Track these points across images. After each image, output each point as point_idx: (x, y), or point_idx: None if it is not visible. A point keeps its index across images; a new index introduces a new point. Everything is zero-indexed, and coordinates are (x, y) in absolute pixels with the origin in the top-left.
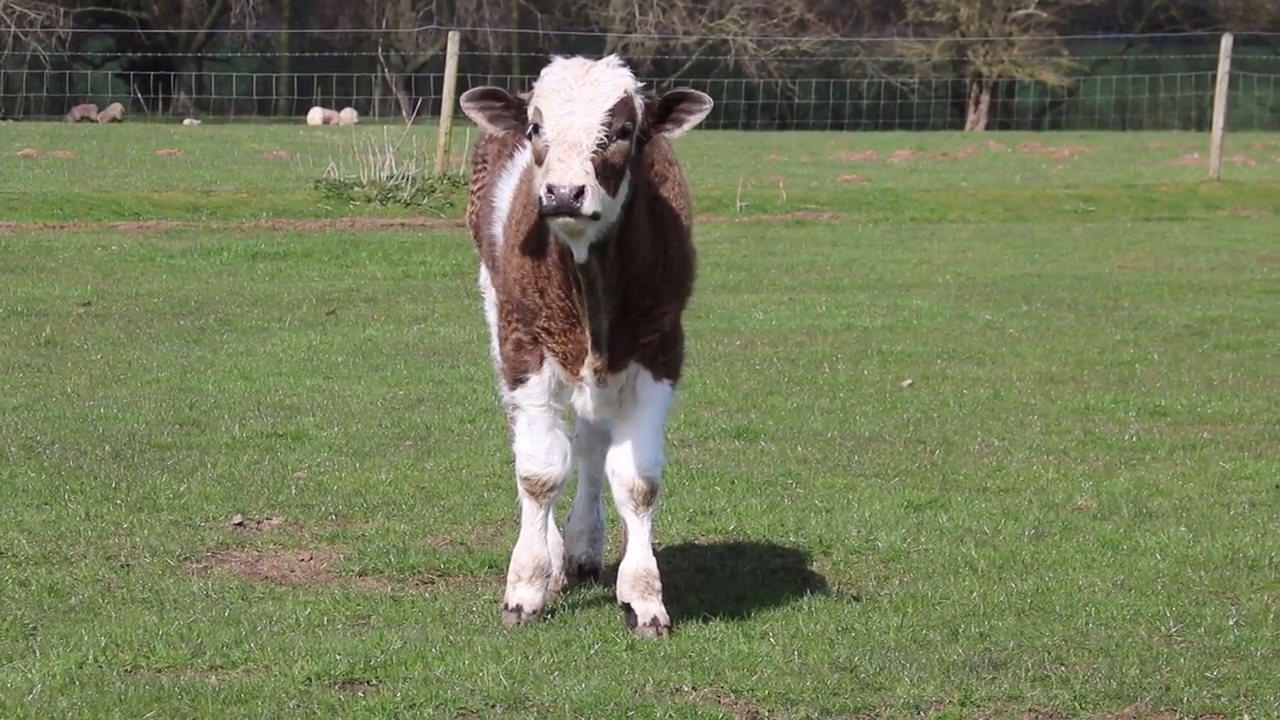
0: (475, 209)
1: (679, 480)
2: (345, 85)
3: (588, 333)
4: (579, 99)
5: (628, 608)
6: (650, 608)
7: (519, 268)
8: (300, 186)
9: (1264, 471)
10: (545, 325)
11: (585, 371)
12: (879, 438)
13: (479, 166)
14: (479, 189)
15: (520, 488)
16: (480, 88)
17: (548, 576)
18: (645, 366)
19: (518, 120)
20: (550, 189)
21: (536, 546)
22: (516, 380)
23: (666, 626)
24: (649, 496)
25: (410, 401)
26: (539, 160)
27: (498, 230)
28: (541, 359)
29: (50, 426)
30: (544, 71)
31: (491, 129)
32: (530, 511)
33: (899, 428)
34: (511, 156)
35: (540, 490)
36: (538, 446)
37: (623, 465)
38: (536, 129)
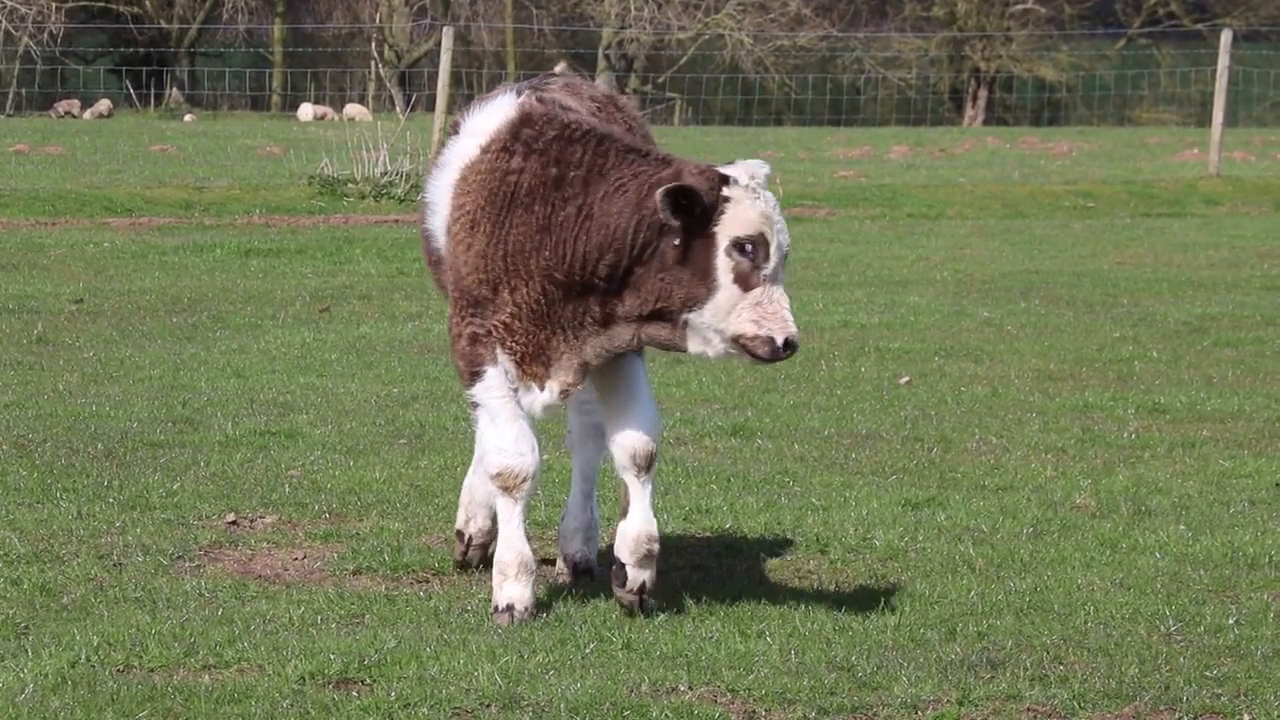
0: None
1: (675, 478)
2: (339, 81)
3: (576, 362)
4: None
5: (620, 567)
6: (641, 575)
7: (477, 266)
8: (294, 183)
9: (1264, 469)
10: (506, 321)
11: (552, 385)
12: (876, 435)
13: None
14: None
15: (493, 485)
16: (677, 185)
17: (533, 572)
18: None
19: (702, 216)
20: (789, 343)
21: (518, 542)
22: (473, 375)
23: (651, 593)
24: (651, 460)
25: (404, 399)
26: (744, 284)
27: (434, 225)
28: (495, 350)
29: (42, 424)
30: (745, 181)
31: (673, 222)
32: (506, 508)
33: (896, 425)
34: (442, 150)
35: (514, 484)
36: (505, 438)
37: (624, 434)
38: (743, 250)
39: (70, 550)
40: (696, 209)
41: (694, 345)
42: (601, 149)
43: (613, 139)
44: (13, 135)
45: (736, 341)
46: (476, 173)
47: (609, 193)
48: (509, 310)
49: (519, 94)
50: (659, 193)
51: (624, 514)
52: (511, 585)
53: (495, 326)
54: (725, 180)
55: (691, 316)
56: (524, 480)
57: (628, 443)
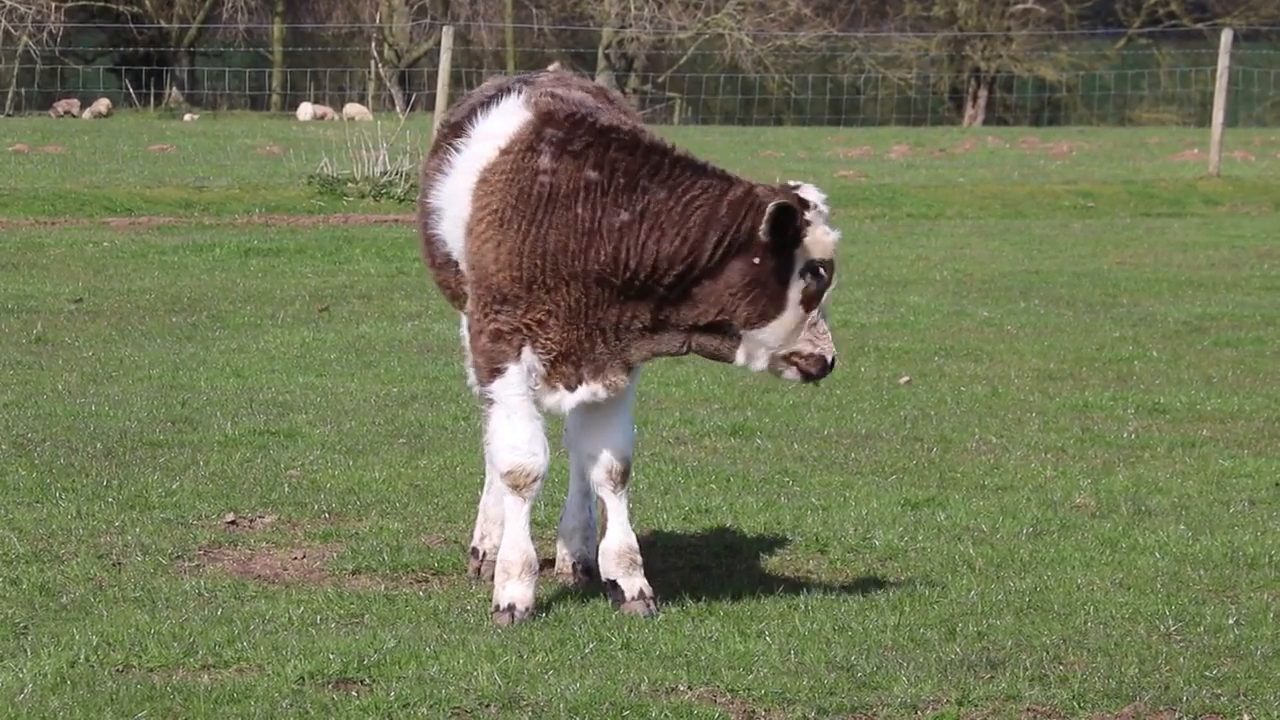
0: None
1: (675, 478)
2: (339, 80)
3: (619, 363)
4: None
5: (614, 584)
6: (635, 582)
7: (509, 264)
8: (293, 182)
9: (1263, 469)
10: (540, 319)
11: (596, 386)
12: (876, 435)
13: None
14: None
15: (503, 484)
16: (783, 204)
17: (536, 572)
18: None
19: (793, 237)
20: (834, 360)
21: (523, 542)
22: (494, 371)
23: (653, 598)
24: (626, 476)
25: (404, 399)
26: (808, 306)
27: (444, 229)
28: (520, 348)
29: (41, 424)
30: (822, 204)
31: (767, 239)
32: (514, 507)
33: (896, 425)
34: (442, 156)
35: (525, 483)
36: (519, 437)
37: (601, 450)
38: (816, 273)
39: (69, 550)
40: (789, 229)
41: (740, 357)
42: (651, 158)
43: (661, 148)
44: (12, 135)
45: (789, 359)
46: (499, 173)
47: (678, 204)
48: (544, 308)
49: (517, 92)
50: (770, 208)
51: (602, 532)
52: (514, 585)
53: (527, 324)
54: (805, 203)
55: (753, 332)
56: (534, 480)
57: (604, 457)
